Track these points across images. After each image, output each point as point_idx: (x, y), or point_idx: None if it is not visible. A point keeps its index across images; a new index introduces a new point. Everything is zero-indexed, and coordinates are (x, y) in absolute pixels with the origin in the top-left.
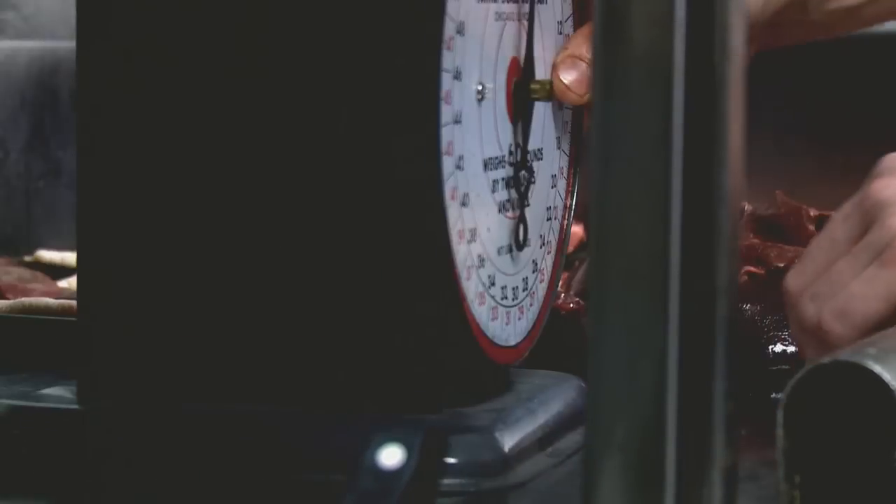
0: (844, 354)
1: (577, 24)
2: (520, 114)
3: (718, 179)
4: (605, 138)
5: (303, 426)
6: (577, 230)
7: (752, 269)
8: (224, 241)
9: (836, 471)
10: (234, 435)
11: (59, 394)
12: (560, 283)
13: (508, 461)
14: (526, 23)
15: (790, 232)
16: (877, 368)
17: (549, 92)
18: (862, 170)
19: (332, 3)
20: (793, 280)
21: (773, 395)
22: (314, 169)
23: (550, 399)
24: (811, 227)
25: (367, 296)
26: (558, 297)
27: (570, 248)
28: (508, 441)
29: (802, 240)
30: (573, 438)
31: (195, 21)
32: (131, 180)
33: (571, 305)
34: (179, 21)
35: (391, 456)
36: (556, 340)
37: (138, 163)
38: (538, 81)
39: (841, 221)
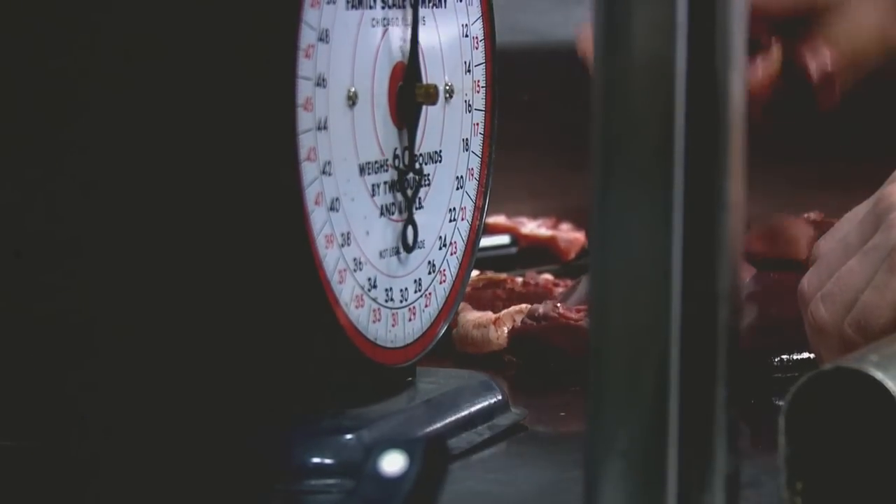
0: (846, 361)
1: (488, 27)
2: (405, 118)
3: (720, 185)
4: (606, 145)
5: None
6: (578, 236)
7: None
8: (100, 256)
9: (838, 477)
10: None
11: None
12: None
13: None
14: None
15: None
16: (878, 375)
17: (434, 96)
18: (866, 179)
19: (193, 12)
20: (807, 282)
21: (775, 401)
22: (184, 180)
23: (444, 399)
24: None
25: (241, 303)
26: (557, 307)
27: (572, 255)
28: (365, 442)
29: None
30: (467, 438)
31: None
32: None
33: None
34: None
35: (392, 463)
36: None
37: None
38: (423, 86)
39: (855, 225)
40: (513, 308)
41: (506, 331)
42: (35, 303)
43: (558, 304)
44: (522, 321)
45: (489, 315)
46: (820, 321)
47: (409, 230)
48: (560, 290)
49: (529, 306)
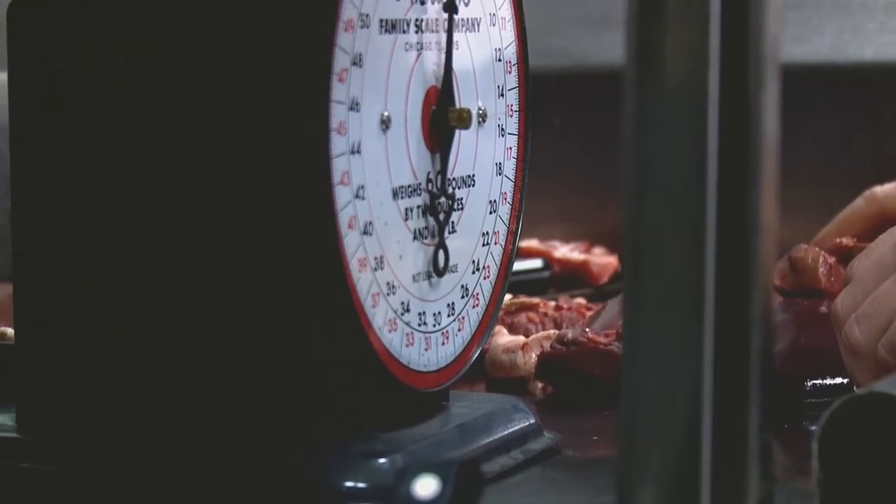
0: (880, 386)
1: (521, 51)
2: (439, 142)
3: (753, 210)
4: (640, 168)
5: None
6: (611, 261)
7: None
8: (147, 281)
9: (872, 502)
10: (176, 464)
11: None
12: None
13: (399, 486)
14: (445, 53)
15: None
16: None
17: (467, 120)
18: None
19: (229, 36)
20: (842, 302)
21: (808, 427)
22: (218, 203)
23: (478, 423)
24: (821, 270)
25: (275, 326)
26: (586, 332)
27: (605, 279)
28: (399, 466)
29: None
30: (500, 462)
31: (107, 59)
32: (58, 224)
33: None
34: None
35: (426, 486)
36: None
37: (61, 198)
38: (456, 110)
39: (890, 246)
40: (541, 333)
41: (534, 356)
42: (40, 303)
43: (587, 329)
44: (551, 346)
45: (518, 340)
46: (854, 342)
47: (441, 254)
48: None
49: (558, 331)
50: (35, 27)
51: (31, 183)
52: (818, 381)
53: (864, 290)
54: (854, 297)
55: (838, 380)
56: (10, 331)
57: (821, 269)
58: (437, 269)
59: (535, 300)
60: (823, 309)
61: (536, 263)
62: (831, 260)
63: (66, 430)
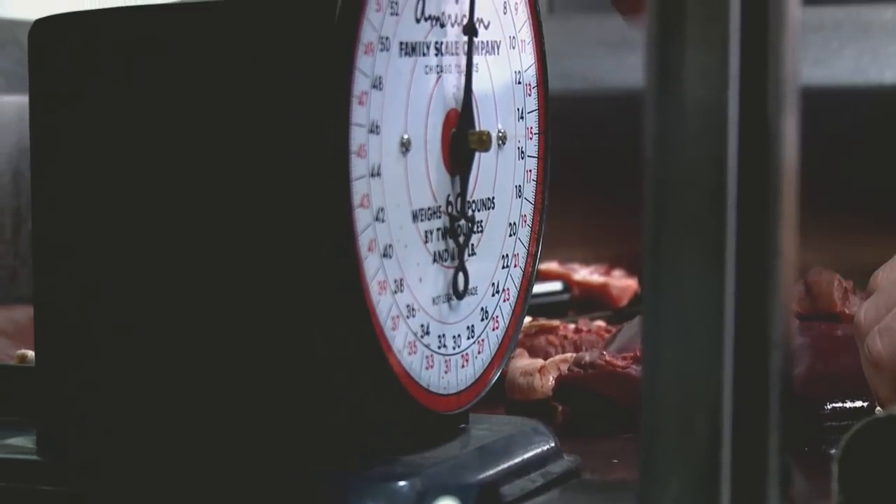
0: None
1: (541, 73)
2: (458, 164)
3: (773, 233)
4: (659, 191)
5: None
6: (631, 283)
7: None
8: (169, 306)
9: None
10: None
11: (20, 444)
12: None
13: None
14: (465, 75)
15: (820, 299)
16: None
17: (487, 142)
18: None
19: (247, 64)
20: (865, 314)
21: (827, 450)
22: (238, 226)
23: (497, 446)
24: (837, 294)
25: (294, 348)
26: (604, 355)
27: (625, 302)
28: (418, 489)
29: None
30: (520, 485)
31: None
32: (80, 246)
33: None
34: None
35: None
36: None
37: (83, 222)
38: (476, 132)
39: None
40: (559, 356)
41: (551, 379)
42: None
43: (604, 352)
44: (569, 368)
45: (536, 363)
46: (876, 355)
47: (461, 277)
48: None
49: (576, 354)
50: (56, 49)
51: (53, 201)
52: (838, 405)
53: (887, 302)
54: (878, 309)
55: (858, 403)
56: (32, 353)
57: (836, 294)
58: (457, 292)
59: (555, 323)
60: (840, 332)
61: (556, 286)
62: (847, 284)
63: (86, 453)
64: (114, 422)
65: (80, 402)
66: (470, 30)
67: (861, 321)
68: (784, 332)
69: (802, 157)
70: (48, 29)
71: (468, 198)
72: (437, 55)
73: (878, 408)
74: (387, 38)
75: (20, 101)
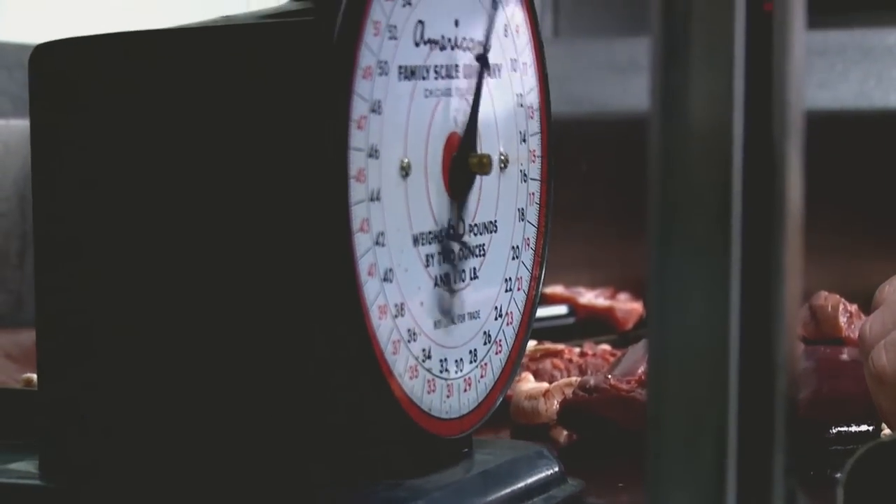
0: None
1: (543, 96)
2: (459, 188)
3: (777, 254)
4: (664, 214)
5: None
6: (635, 307)
7: None
8: (166, 331)
9: None
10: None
11: (23, 469)
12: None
13: None
14: (466, 98)
15: (825, 323)
16: None
17: (488, 166)
18: None
19: (245, 90)
20: (870, 328)
21: (832, 474)
22: (237, 251)
23: (501, 470)
24: (842, 319)
25: (295, 373)
26: (608, 379)
27: (630, 325)
28: None
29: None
30: None
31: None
32: (82, 255)
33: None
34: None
35: None
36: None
37: (84, 237)
38: (476, 156)
39: None
40: (563, 380)
41: (556, 403)
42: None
43: (609, 376)
44: (573, 392)
45: (541, 387)
46: (880, 369)
47: (462, 301)
48: None
49: (580, 378)
50: (57, 72)
51: (53, 223)
52: (843, 428)
53: (893, 316)
54: (883, 323)
55: (863, 427)
56: (35, 377)
57: (841, 318)
58: (459, 316)
59: (560, 346)
60: (845, 356)
61: (561, 310)
62: (851, 308)
63: (88, 477)
64: (114, 422)
65: (81, 402)
66: (482, 59)
67: (866, 335)
68: (789, 355)
69: (807, 180)
70: (49, 54)
71: (470, 221)
72: (437, 79)
73: (885, 427)
74: (385, 63)
75: (27, 125)
